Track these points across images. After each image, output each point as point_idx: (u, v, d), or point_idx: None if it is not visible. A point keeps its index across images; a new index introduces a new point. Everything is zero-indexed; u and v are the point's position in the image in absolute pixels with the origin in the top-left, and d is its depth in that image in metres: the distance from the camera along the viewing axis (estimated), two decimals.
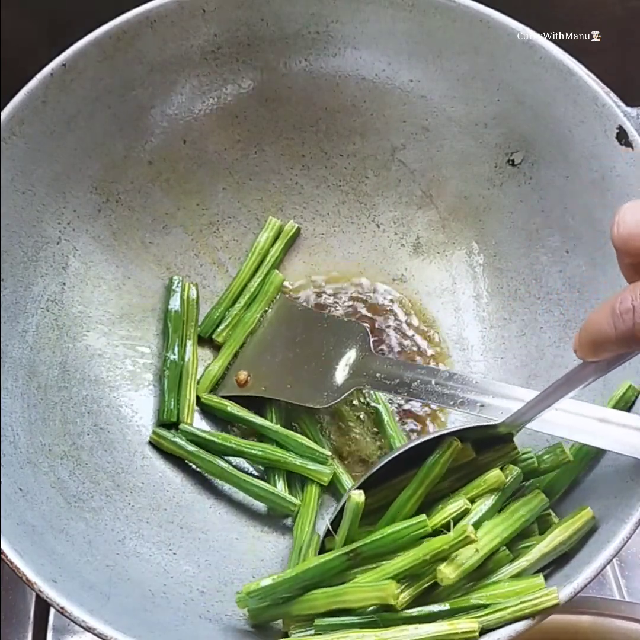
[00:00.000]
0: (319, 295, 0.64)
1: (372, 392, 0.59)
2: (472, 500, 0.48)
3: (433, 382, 0.54)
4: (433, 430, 0.59)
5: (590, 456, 0.51)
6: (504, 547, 0.47)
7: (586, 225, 0.56)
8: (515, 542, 0.47)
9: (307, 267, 0.65)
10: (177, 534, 0.53)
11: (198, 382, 0.60)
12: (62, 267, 0.57)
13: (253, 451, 0.56)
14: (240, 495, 0.56)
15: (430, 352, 0.62)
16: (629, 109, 0.53)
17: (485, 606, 0.44)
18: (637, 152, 0.52)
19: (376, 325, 0.63)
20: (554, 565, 0.47)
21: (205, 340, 0.62)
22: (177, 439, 0.56)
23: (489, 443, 0.50)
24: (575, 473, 0.51)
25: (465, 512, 0.47)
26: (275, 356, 0.60)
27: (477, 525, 0.46)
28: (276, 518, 0.56)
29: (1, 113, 0.52)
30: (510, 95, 0.57)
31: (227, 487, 0.57)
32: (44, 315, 0.55)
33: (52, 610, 0.62)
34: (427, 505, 0.49)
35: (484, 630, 0.43)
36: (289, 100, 0.62)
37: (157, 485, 0.55)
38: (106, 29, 0.55)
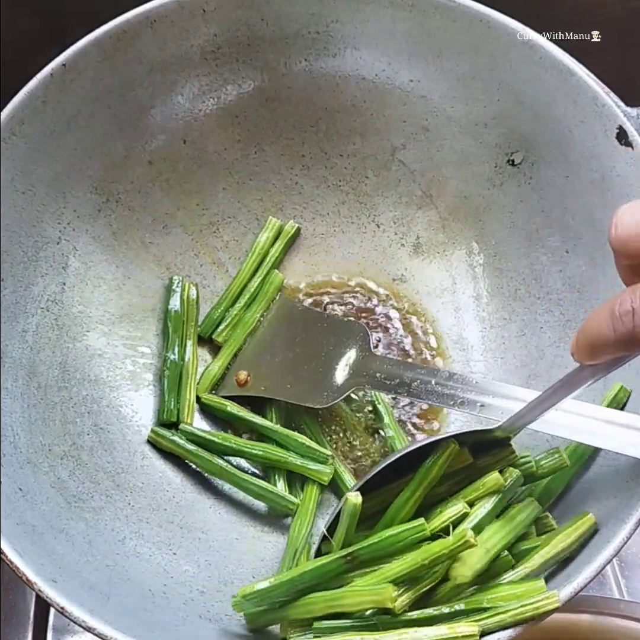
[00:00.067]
0: (318, 295, 0.64)
1: (372, 392, 0.59)
2: (471, 504, 0.47)
3: (433, 382, 0.54)
4: (434, 431, 0.59)
5: (584, 459, 0.51)
6: (506, 552, 0.46)
7: (586, 225, 0.56)
8: (515, 545, 0.47)
9: (307, 267, 0.65)
10: (177, 534, 0.53)
11: (198, 382, 0.60)
12: (62, 267, 0.57)
13: (253, 451, 0.56)
14: (240, 495, 0.56)
15: (430, 352, 0.62)
16: (629, 109, 0.53)
17: (486, 609, 0.44)
18: (637, 152, 0.52)
19: (376, 325, 0.63)
20: (554, 565, 0.47)
21: (205, 340, 0.62)
22: (175, 438, 0.56)
23: (486, 447, 0.49)
24: (569, 476, 0.51)
25: (464, 516, 0.47)
26: (275, 356, 0.60)
27: (476, 528, 0.46)
28: (276, 518, 0.56)
29: (1, 113, 0.52)
30: (510, 95, 0.57)
31: (227, 486, 0.57)
32: (44, 315, 0.55)
33: (52, 610, 0.62)
34: (425, 509, 0.49)
35: (484, 633, 0.43)
36: (289, 100, 0.62)
37: (157, 485, 0.55)
38: (106, 29, 0.55)
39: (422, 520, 0.46)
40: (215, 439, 0.56)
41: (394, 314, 0.63)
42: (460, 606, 0.45)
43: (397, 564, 0.45)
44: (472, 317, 0.62)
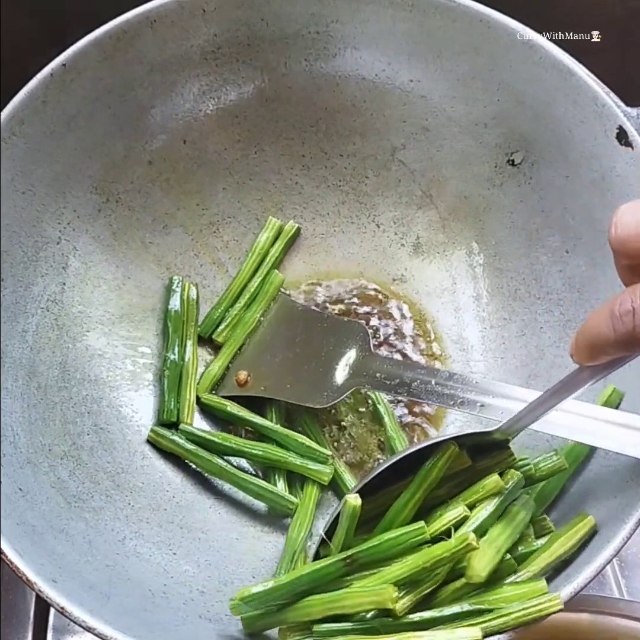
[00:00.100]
0: (318, 295, 0.64)
1: (372, 392, 0.59)
2: (471, 507, 0.47)
3: (433, 382, 0.54)
4: (433, 432, 0.59)
5: (580, 460, 0.51)
6: (509, 555, 0.46)
7: (586, 225, 0.56)
8: (514, 547, 0.47)
9: (307, 267, 0.65)
10: (177, 534, 0.53)
11: (198, 382, 0.60)
12: (62, 267, 0.57)
13: (253, 451, 0.56)
14: (240, 495, 0.56)
15: (430, 352, 0.62)
16: (629, 109, 0.53)
17: (488, 611, 0.44)
18: (637, 152, 0.52)
19: (376, 325, 0.63)
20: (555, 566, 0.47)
21: (205, 340, 0.62)
22: (175, 437, 0.56)
23: (484, 449, 0.49)
24: (565, 478, 0.51)
25: (464, 519, 0.46)
26: (275, 356, 0.60)
27: (478, 531, 0.46)
28: (276, 518, 0.56)
29: (1, 113, 0.52)
30: (510, 95, 0.57)
31: (227, 486, 0.57)
32: (44, 315, 0.55)
33: (52, 610, 0.62)
34: (425, 513, 0.48)
35: (486, 635, 0.43)
36: (289, 100, 0.62)
37: (157, 485, 0.55)
38: (106, 29, 0.55)
39: (422, 523, 0.46)
40: (215, 439, 0.56)
41: (393, 314, 0.63)
42: (462, 608, 0.44)
43: (397, 566, 0.45)
44: (472, 317, 0.62)
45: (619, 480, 0.48)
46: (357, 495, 0.46)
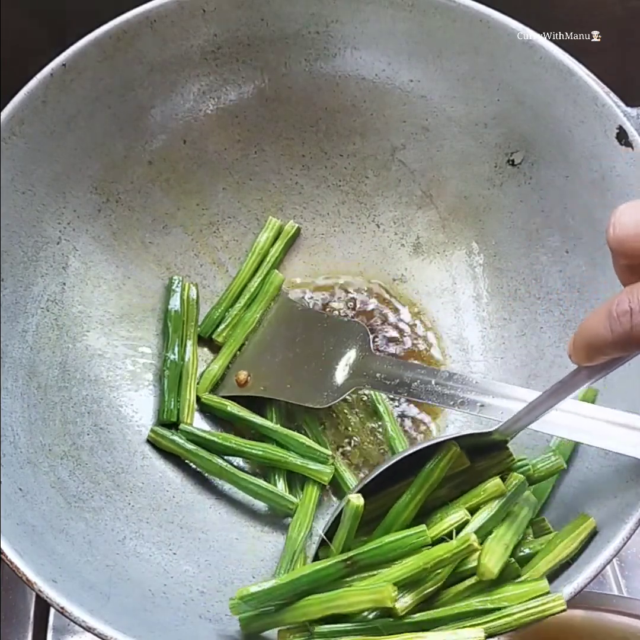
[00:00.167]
0: (318, 295, 0.64)
1: (372, 392, 0.59)
2: (473, 510, 0.47)
3: (433, 382, 0.54)
4: (434, 432, 0.59)
5: (566, 456, 0.51)
6: (512, 559, 0.46)
7: (586, 225, 0.56)
8: (514, 549, 0.47)
9: (307, 267, 0.65)
10: (177, 534, 0.53)
11: (198, 382, 0.60)
12: (62, 267, 0.57)
13: (253, 451, 0.56)
14: (240, 495, 0.56)
15: (429, 352, 0.62)
16: (629, 109, 0.53)
17: (491, 611, 0.44)
18: (637, 152, 0.52)
19: (376, 325, 0.63)
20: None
21: (205, 340, 0.62)
22: (175, 437, 0.56)
23: (483, 450, 0.49)
24: (556, 477, 0.51)
25: (464, 524, 0.46)
26: (275, 356, 0.60)
27: (480, 532, 0.46)
28: (276, 518, 0.56)
29: (1, 113, 0.52)
30: (510, 95, 0.57)
31: (227, 486, 0.57)
32: (44, 315, 0.55)
33: (52, 610, 0.62)
34: (425, 514, 0.48)
35: (489, 636, 0.43)
36: (289, 100, 0.62)
37: (157, 485, 0.55)
38: (106, 29, 0.55)
39: (423, 527, 0.45)
40: (215, 439, 0.56)
41: (393, 314, 0.63)
42: (464, 608, 0.44)
43: (398, 567, 0.44)
44: (472, 317, 0.62)
45: (619, 480, 0.48)
46: (360, 494, 0.46)
